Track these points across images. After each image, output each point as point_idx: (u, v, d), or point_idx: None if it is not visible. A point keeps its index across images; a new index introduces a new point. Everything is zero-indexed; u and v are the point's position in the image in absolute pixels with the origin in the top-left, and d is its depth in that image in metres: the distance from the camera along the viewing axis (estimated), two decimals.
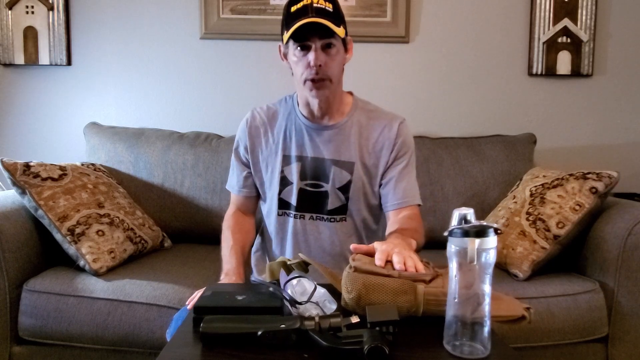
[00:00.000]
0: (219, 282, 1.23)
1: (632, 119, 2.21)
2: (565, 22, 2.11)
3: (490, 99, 2.20)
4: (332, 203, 1.32)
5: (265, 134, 1.35)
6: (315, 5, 1.17)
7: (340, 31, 1.18)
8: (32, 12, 2.12)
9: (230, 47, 2.17)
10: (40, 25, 2.13)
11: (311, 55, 1.18)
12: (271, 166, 1.33)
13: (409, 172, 1.33)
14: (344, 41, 1.24)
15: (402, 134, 1.32)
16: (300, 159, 1.31)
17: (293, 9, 1.18)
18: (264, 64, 2.16)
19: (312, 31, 1.16)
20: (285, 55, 1.27)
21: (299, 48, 1.19)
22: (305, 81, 1.21)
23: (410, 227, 1.22)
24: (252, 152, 1.35)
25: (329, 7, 1.18)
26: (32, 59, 2.15)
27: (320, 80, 1.20)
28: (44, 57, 2.15)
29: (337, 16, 1.19)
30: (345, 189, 1.31)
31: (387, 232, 1.28)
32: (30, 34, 2.13)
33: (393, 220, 1.29)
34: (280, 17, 1.25)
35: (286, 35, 1.18)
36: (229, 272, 1.24)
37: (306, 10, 1.16)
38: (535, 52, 2.14)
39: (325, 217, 1.33)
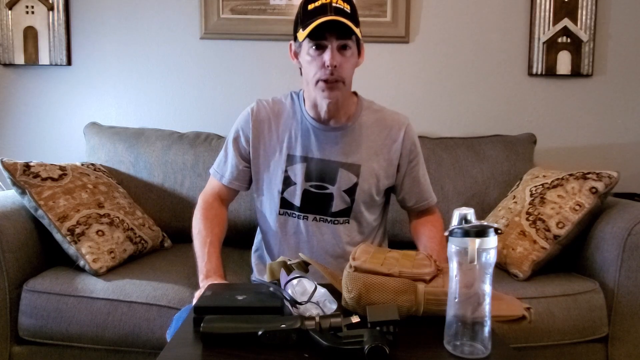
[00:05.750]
0: (199, 284, 1.18)
1: (632, 119, 2.21)
2: (565, 22, 2.11)
3: (490, 99, 2.20)
4: (336, 205, 1.31)
5: (269, 130, 1.32)
6: (334, 4, 1.14)
7: (358, 32, 1.16)
8: (32, 12, 2.12)
9: (230, 47, 2.17)
10: (40, 25, 2.13)
11: (327, 55, 1.15)
12: (273, 164, 1.32)
13: (423, 171, 1.40)
14: (358, 44, 1.22)
15: (409, 137, 1.34)
16: (306, 159, 1.30)
17: (310, 6, 1.16)
18: (264, 64, 2.16)
19: (330, 30, 1.14)
20: (296, 54, 1.25)
21: (314, 47, 1.17)
22: (317, 81, 1.19)
23: (436, 241, 1.31)
24: (254, 146, 1.32)
25: (347, 8, 1.16)
26: (32, 59, 2.14)
27: (333, 82, 1.18)
28: (44, 57, 2.14)
29: (353, 17, 1.17)
30: (351, 191, 1.31)
31: (415, 233, 1.40)
32: (30, 34, 2.13)
33: (416, 221, 1.42)
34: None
35: (303, 33, 1.16)
36: (209, 273, 1.18)
37: (325, 9, 1.14)
38: (535, 52, 2.14)
39: (328, 219, 1.32)
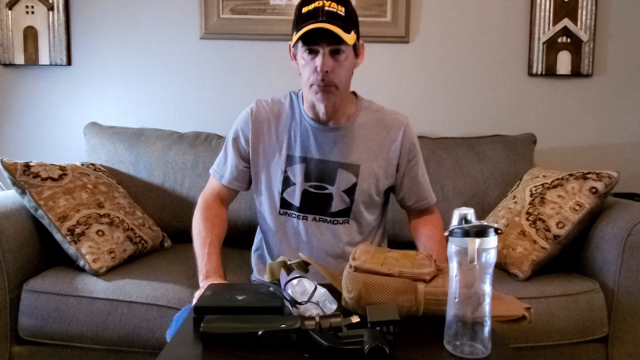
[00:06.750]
0: (199, 284, 1.19)
1: (632, 119, 2.21)
2: (565, 22, 2.11)
3: (490, 99, 2.20)
4: (336, 205, 1.31)
5: (269, 130, 1.32)
6: (326, 8, 1.13)
7: (350, 38, 1.14)
8: (32, 12, 2.12)
9: (230, 47, 2.17)
10: (40, 25, 2.13)
11: (318, 61, 1.15)
12: (273, 165, 1.32)
13: (422, 171, 1.40)
14: (354, 46, 1.21)
15: (408, 137, 1.34)
16: (305, 160, 1.30)
17: (304, 10, 1.15)
18: (264, 64, 2.16)
19: (321, 36, 1.13)
20: (294, 56, 1.25)
21: (307, 51, 1.17)
22: (311, 85, 1.19)
23: (436, 240, 1.31)
24: (254, 147, 1.32)
25: (341, 10, 1.15)
26: (32, 59, 2.14)
27: (326, 86, 1.18)
28: (44, 57, 2.14)
29: (348, 20, 1.16)
30: (350, 191, 1.31)
31: (415, 232, 1.40)
32: (30, 34, 2.13)
33: (415, 221, 1.42)
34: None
35: (295, 37, 1.16)
36: (209, 274, 1.18)
37: (317, 14, 1.13)
38: (535, 52, 2.14)
39: (328, 219, 1.32)
